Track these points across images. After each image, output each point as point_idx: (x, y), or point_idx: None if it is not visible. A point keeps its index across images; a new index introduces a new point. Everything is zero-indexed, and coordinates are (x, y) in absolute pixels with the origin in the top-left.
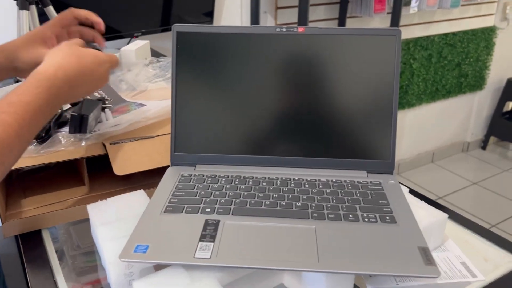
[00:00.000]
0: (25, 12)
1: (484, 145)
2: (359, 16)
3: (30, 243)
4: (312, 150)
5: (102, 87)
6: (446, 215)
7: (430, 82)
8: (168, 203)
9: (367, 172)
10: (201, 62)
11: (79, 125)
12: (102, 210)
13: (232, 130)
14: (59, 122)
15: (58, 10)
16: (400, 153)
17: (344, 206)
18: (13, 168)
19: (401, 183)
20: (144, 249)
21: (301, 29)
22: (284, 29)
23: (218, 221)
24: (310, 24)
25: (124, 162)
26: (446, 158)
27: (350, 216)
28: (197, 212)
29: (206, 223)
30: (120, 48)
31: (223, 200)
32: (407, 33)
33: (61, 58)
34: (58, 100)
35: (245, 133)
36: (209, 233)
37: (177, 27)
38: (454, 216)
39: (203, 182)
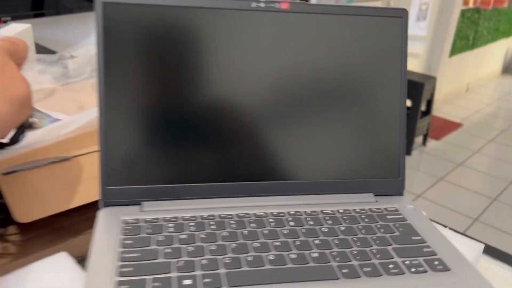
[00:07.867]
0: None
1: None
2: None
3: None
4: (300, 171)
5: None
6: (482, 245)
7: None
8: (119, 276)
9: (374, 195)
10: (140, 51)
11: None
12: None
13: (189, 150)
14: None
15: None
16: None
17: (374, 250)
18: None
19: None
20: None
21: (285, 5)
22: (262, 4)
23: None
24: None
25: (29, 202)
26: None
27: (391, 266)
28: None
29: None
30: None
31: (204, 262)
32: None
33: None
34: None
35: (209, 154)
36: None
37: None
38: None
39: (162, 232)
